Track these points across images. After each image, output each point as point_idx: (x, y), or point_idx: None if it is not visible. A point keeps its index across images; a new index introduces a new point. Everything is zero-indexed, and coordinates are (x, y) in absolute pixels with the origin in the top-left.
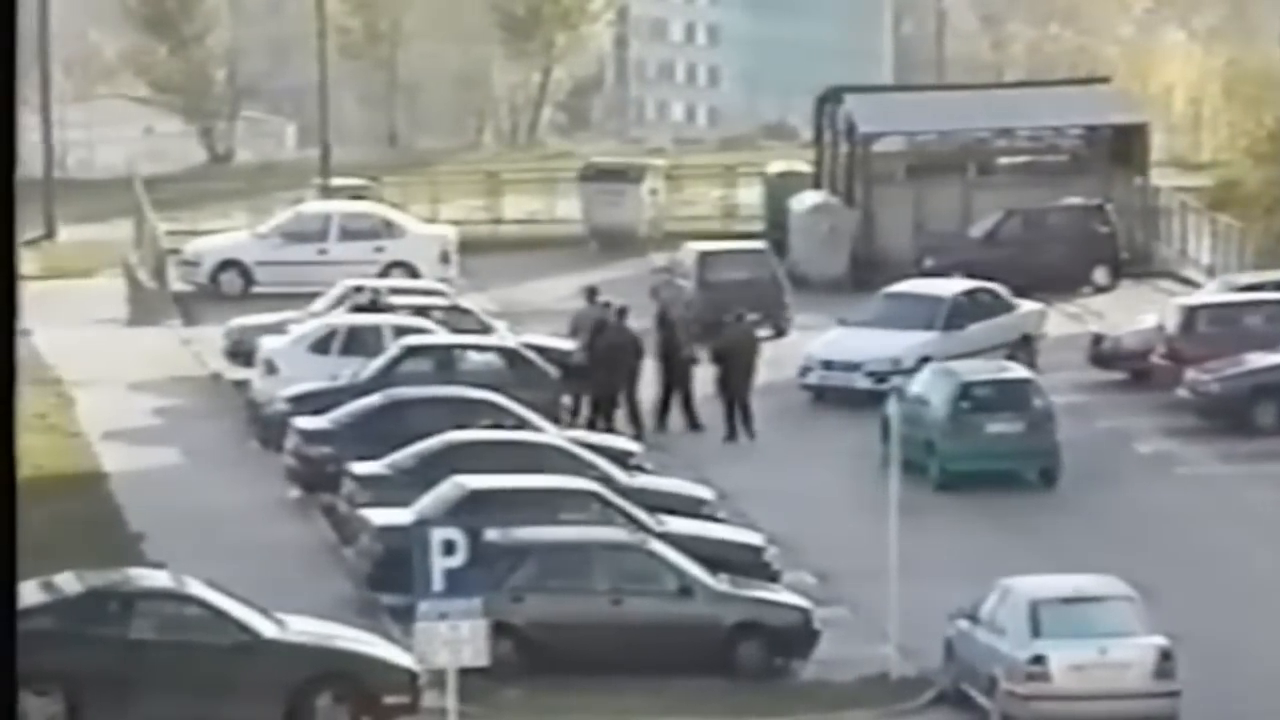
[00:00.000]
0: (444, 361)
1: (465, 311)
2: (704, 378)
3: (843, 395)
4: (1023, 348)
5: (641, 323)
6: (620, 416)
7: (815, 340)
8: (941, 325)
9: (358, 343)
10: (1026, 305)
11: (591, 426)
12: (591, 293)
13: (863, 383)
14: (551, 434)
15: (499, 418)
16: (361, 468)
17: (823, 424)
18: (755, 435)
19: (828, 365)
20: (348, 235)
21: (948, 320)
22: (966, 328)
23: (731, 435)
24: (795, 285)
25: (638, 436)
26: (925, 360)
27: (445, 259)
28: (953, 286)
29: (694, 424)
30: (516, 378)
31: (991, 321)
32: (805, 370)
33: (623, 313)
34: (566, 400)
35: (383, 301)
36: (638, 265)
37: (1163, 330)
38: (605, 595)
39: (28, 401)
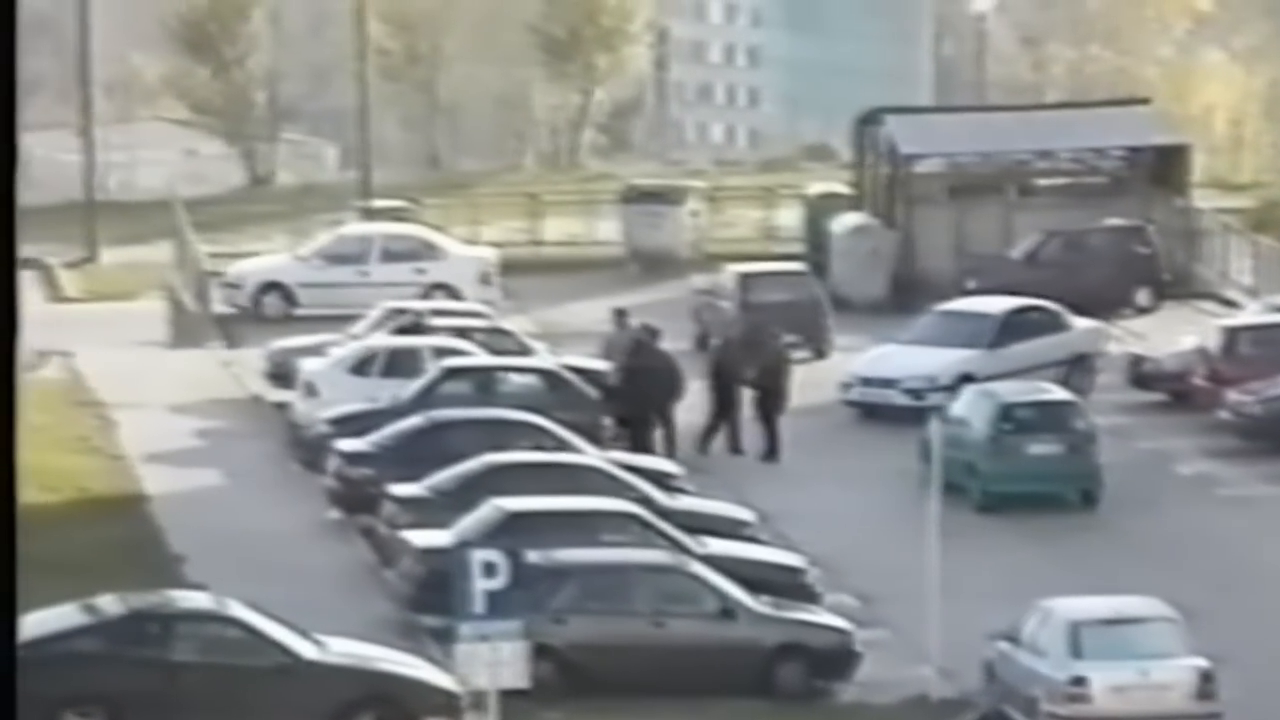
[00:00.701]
0: (484, 383)
1: (506, 333)
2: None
3: (885, 414)
4: (1078, 367)
5: (679, 345)
6: (656, 438)
7: (859, 357)
8: (986, 343)
9: (398, 365)
10: (1083, 324)
11: (633, 448)
12: (620, 315)
13: (899, 399)
14: (592, 456)
15: (539, 439)
16: (402, 490)
17: (865, 445)
18: (779, 458)
19: (866, 382)
20: (389, 257)
21: (993, 338)
22: (1012, 346)
23: (769, 456)
24: (836, 307)
25: (670, 455)
26: (966, 377)
27: (486, 281)
28: (1003, 304)
29: (736, 447)
30: (557, 399)
31: (1042, 340)
32: (846, 386)
33: (655, 334)
34: (607, 421)
35: (425, 324)
36: (678, 287)
37: (1204, 352)
38: (646, 617)
39: (70, 424)
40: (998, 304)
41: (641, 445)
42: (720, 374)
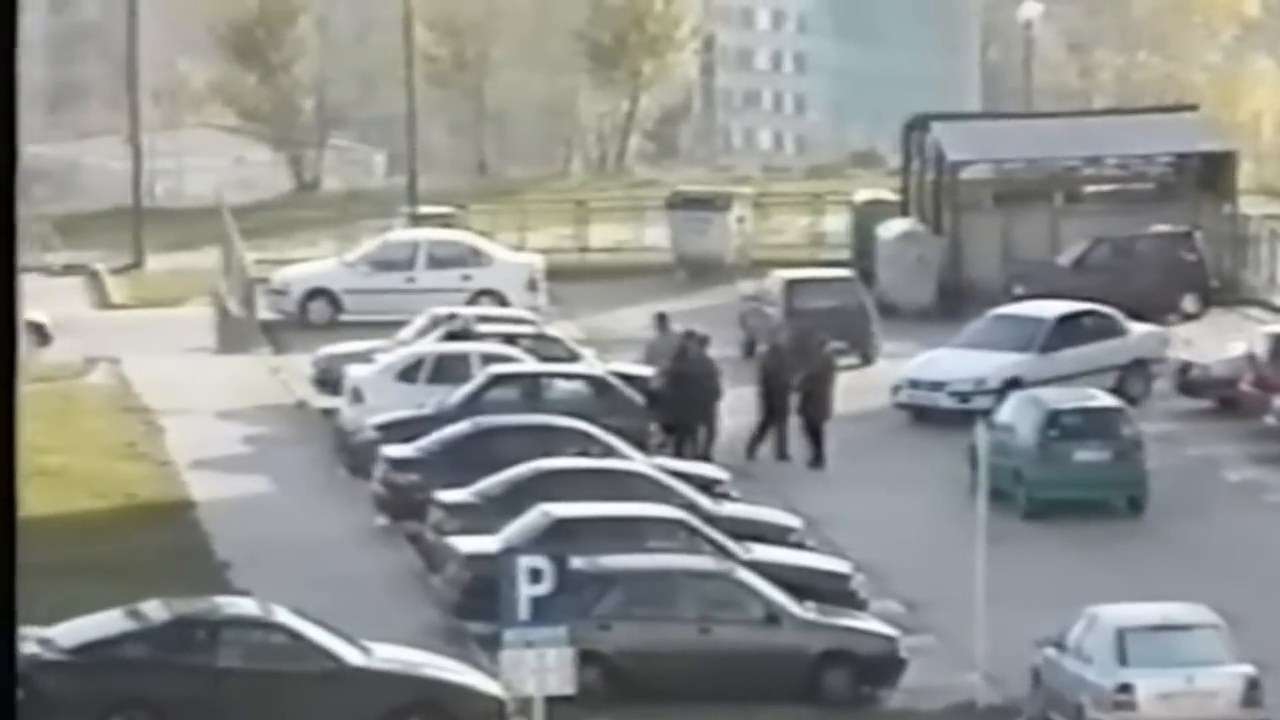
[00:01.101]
0: (531, 390)
1: (553, 339)
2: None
3: (934, 418)
4: (1135, 372)
5: (726, 351)
6: (701, 443)
7: (911, 360)
8: (1037, 347)
9: (445, 371)
10: (1141, 329)
11: (678, 453)
12: (662, 320)
13: (946, 402)
14: (638, 462)
15: (586, 445)
16: (449, 495)
17: (911, 450)
18: (825, 463)
19: (915, 384)
20: (436, 263)
21: (1045, 342)
22: (1064, 351)
23: (815, 462)
24: (883, 313)
25: (704, 458)
26: (1014, 382)
27: (533, 287)
28: (1056, 309)
29: (782, 453)
30: (603, 406)
31: (1097, 345)
32: (896, 389)
33: (703, 341)
34: (653, 427)
35: (473, 329)
36: (725, 293)
37: (1252, 358)
38: (692, 623)
39: (118, 429)
40: (1050, 308)
41: (687, 451)
42: (767, 380)
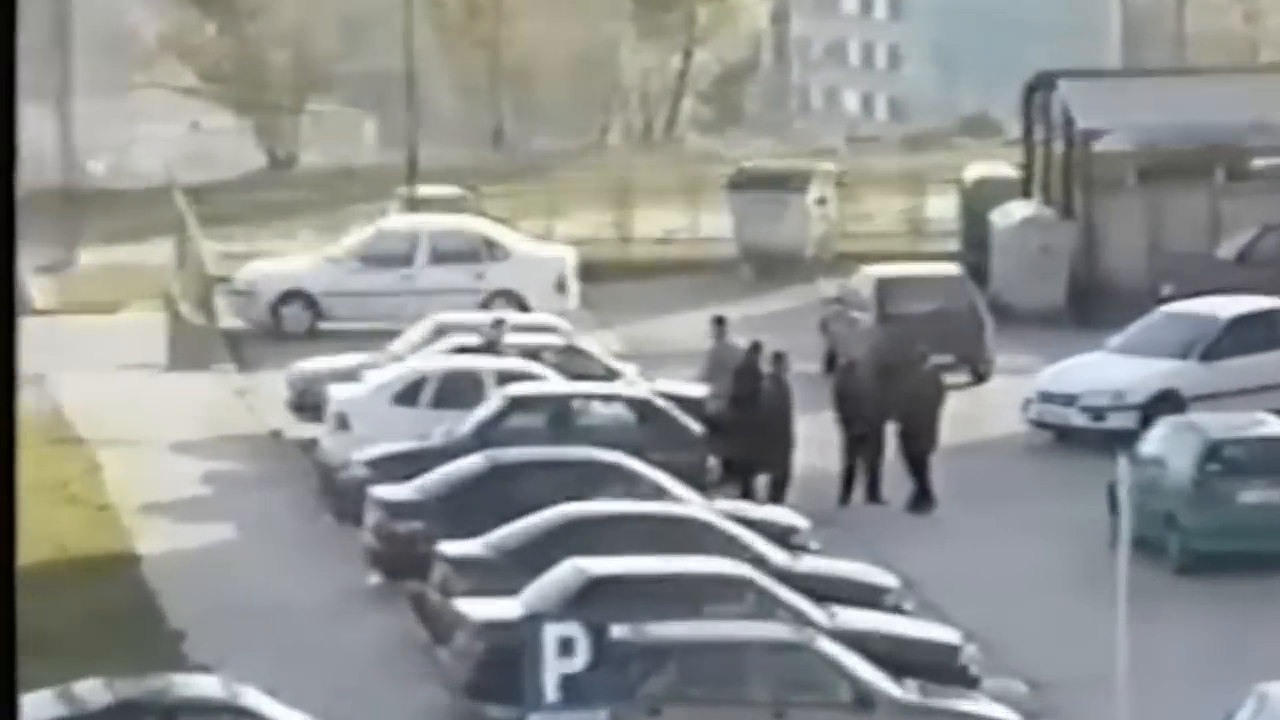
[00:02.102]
0: (559, 416)
1: (586, 354)
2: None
3: (1075, 444)
4: None
5: (802, 367)
6: (771, 483)
7: (1049, 369)
8: (1200, 354)
9: (453, 392)
10: None
11: (744, 495)
12: (720, 324)
13: (1077, 419)
14: (695, 505)
15: (628, 485)
16: (457, 548)
17: (1037, 488)
18: (930, 506)
19: (1046, 398)
20: (440, 258)
21: (1210, 348)
22: (1233, 359)
23: (917, 505)
24: (999, 318)
25: (776, 500)
26: (1166, 395)
27: (561, 287)
28: (1233, 306)
29: (874, 494)
30: (650, 435)
31: (1273, 354)
32: (1027, 403)
33: (779, 359)
34: (713, 463)
35: (499, 343)
36: (802, 294)
37: None
38: (765, 707)
39: (45, 466)
40: (1224, 305)
41: (755, 492)
42: (847, 401)
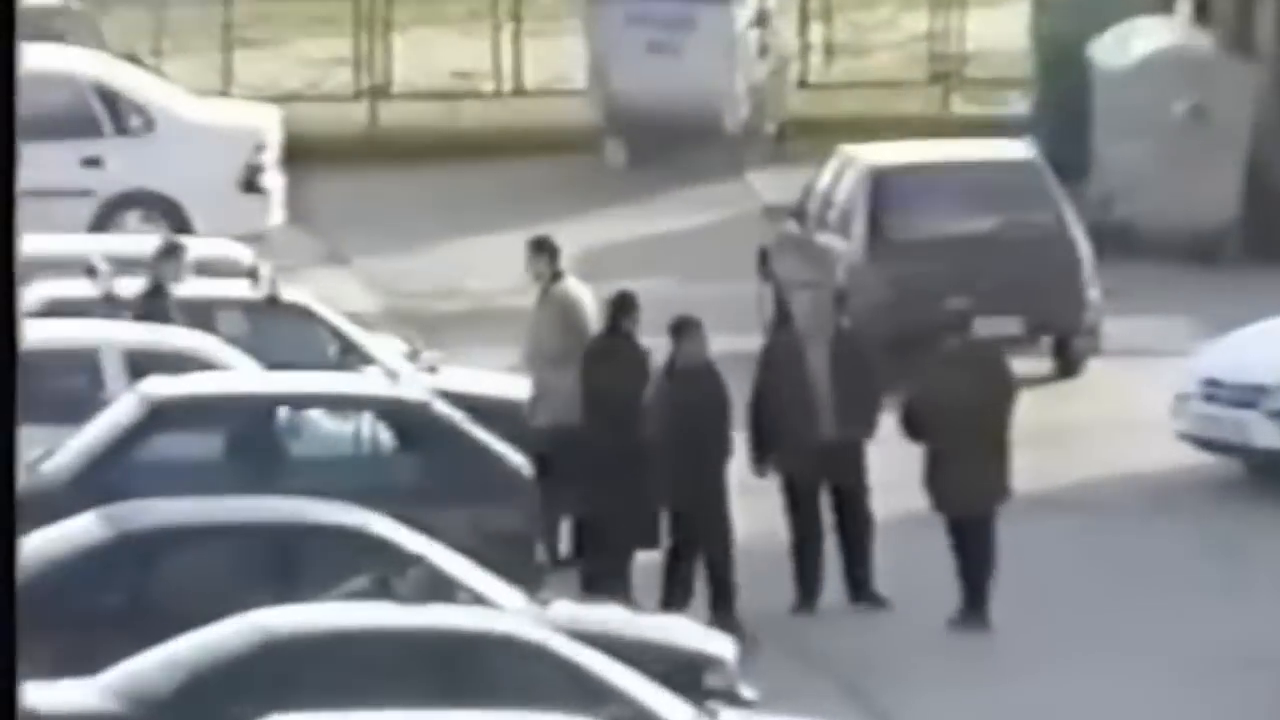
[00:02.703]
0: (251, 437)
1: (304, 314)
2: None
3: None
4: None
5: (728, 342)
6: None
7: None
8: None
9: (49, 389)
10: None
11: (608, 593)
12: (545, 251)
13: (1263, 431)
14: (514, 610)
15: (385, 569)
16: (53, 694)
17: (1214, 579)
18: (983, 613)
19: (1212, 394)
20: (30, 131)
21: None
22: None
23: (968, 614)
24: (1111, 248)
25: (674, 605)
26: None
27: (253, 185)
28: None
29: (861, 588)
30: (427, 473)
31: None
32: (1176, 404)
33: (690, 327)
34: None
35: (139, 296)
36: (723, 198)
37: None
38: None
39: None
40: None
41: (634, 585)
42: (810, 407)
